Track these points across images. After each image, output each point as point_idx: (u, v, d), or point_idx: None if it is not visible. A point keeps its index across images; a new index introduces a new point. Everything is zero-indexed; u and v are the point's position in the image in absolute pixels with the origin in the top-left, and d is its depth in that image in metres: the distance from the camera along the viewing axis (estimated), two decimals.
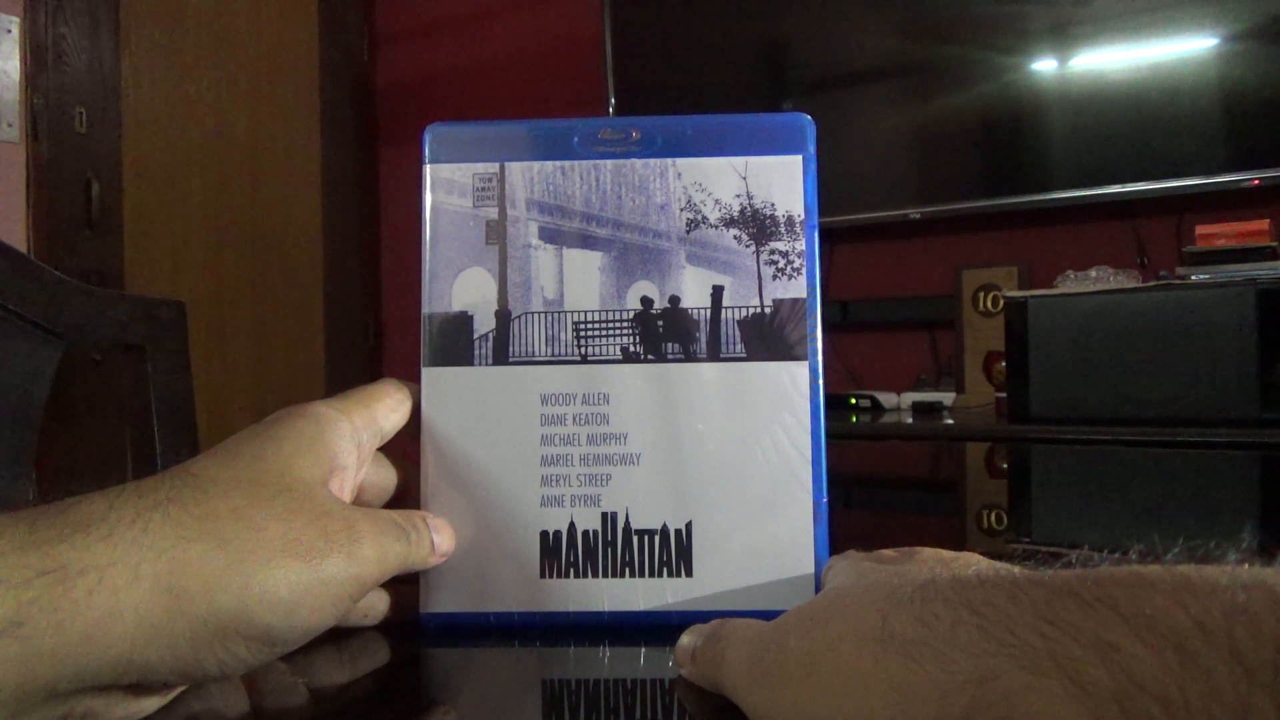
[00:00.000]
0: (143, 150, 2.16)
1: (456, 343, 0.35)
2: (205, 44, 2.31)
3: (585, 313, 0.35)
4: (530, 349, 0.34)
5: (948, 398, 1.88)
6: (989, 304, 1.93)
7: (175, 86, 2.25)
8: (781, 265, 0.35)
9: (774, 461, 0.34)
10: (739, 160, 0.35)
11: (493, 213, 0.35)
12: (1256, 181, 1.61)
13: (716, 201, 0.35)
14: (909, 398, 1.92)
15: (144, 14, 2.17)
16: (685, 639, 0.28)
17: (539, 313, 0.35)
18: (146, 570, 0.23)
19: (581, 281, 0.35)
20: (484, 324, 0.35)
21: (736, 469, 0.34)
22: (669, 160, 0.35)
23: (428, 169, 0.36)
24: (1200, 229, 1.58)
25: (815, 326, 0.34)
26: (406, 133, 2.67)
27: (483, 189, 0.36)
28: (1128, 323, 1.44)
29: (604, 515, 0.33)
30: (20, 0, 1.94)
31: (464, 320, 0.35)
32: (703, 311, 0.35)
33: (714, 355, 0.34)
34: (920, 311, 2.03)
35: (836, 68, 2.02)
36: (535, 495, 0.34)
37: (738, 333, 0.34)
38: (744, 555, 0.33)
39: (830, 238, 2.09)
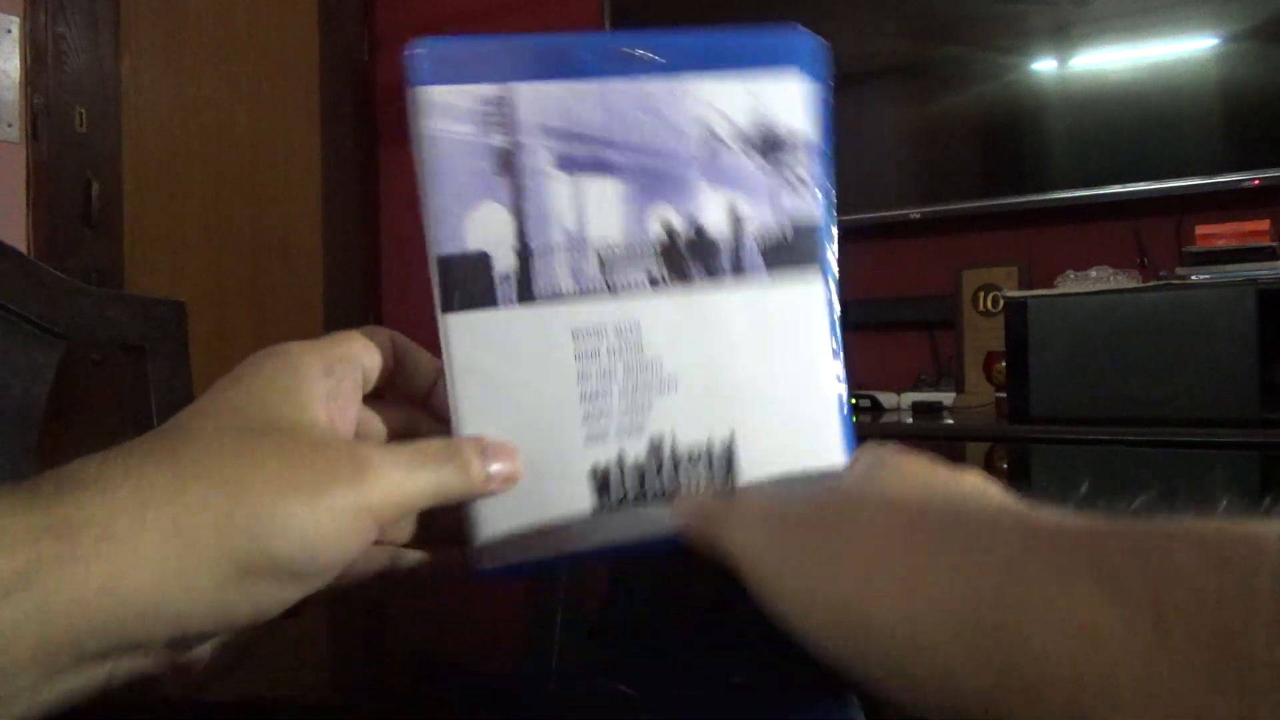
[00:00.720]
0: (143, 150, 2.16)
1: (478, 284, 0.32)
2: (205, 44, 2.31)
3: (608, 243, 0.33)
4: (555, 285, 0.33)
5: (948, 398, 1.88)
6: (989, 304, 1.93)
7: (175, 86, 2.25)
8: (796, 186, 0.35)
9: (804, 377, 0.34)
10: (750, 80, 0.35)
11: (502, 139, 0.33)
12: (1256, 181, 1.61)
13: (730, 122, 0.35)
14: (909, 398, 1.92)
15: (144, 14, 2.17)
16: (691, 496, 0.27)
17: (561, 246, 0.33)
18: (151, 517, 0.23)
19: (600, 210, 0.33)
20: (504, 262, 0.32)
21: (770, 385, 0.34)
22: (680, 80, 0.34)
23: (419, 92, 0.33)
24: (1200, 229, 1.58)
25: (831, 243, 0.35)
26: (406, 133, 2.66)
27: (489, 113, 0.33)
28: (1128, 323, 1.44)
29: (650, 442, 0.33)
30: (20, 0, 1.94)
31: (482, 260, 0.33)
32: (723, 234, 0.34)
33: (738, 276, 0.34)
34: (920, 311, 2.03)
35: (837, 68, 2.01)
36: (579, 432, 0.32)
37: (758, 253, 0.35)
38: (785, 468, 0.33)
39: None
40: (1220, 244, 1.53)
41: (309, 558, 0.25)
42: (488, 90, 0.33)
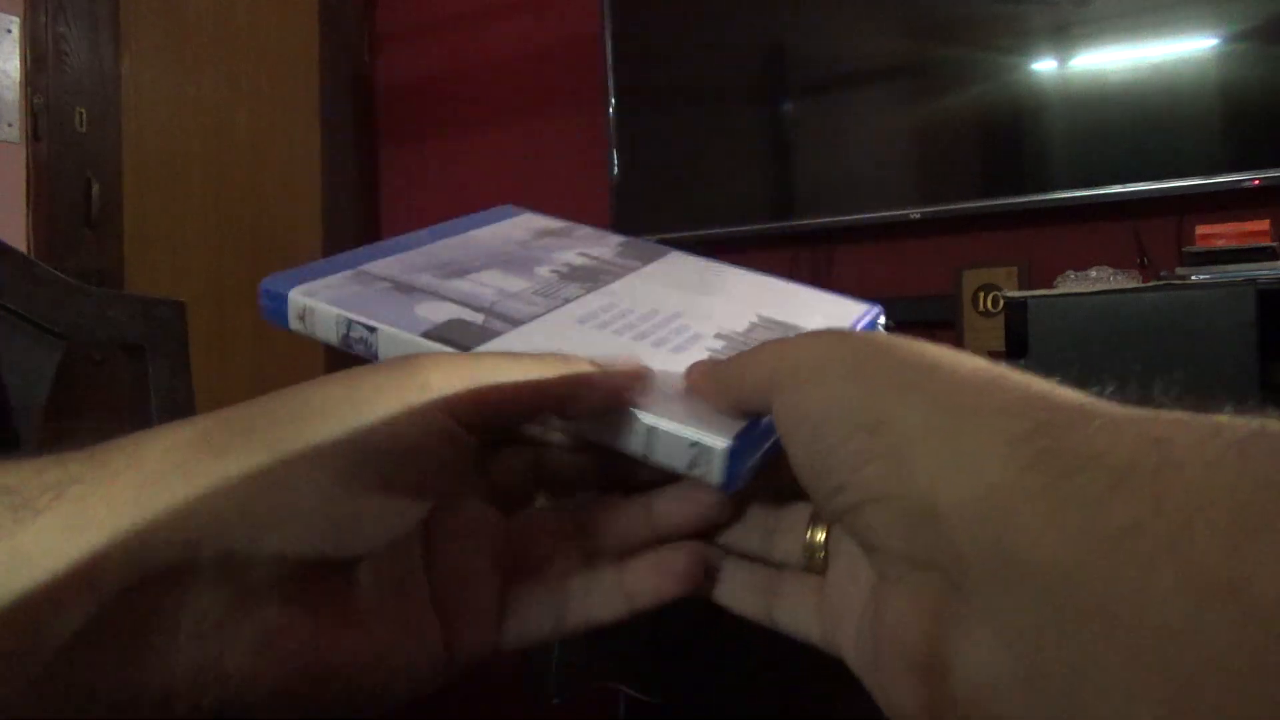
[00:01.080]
0: (143, 150, 2.16)
1: (469, 332, 0.32)
2: (205, 44, 2.31)
3: (530, 288, 0.36)
4: (525, 312, 0.34)
5: None
6: (989, 304, 1.93)
7: (175, 86, 2.25)
8: (597, 235, 0.43)
9: (767, 287, 0.41)
10: (500, 222, 0.44)
11: (385, 285, 0.35)
12: (1256, 182, 1.61)
13: (520, 236, 0.42)
14: None
15: (144, 14, 2.17)
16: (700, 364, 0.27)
17: (499, 299, 0.35)
18: (177, 434, 0.22)
19: (500, 280, 0.37)
20: (473, 316, 0.33)
21: (754, 295, 0.39)
22: (465, 234, 0.42)
23: (292, 299, 0.34)
24: (1200, 229, 1.58)
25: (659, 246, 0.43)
26: (406, 133, 2.67)
27: (359, 277, 0.35)
28: (1128, 323, 1.44)
29: (717, 333, 0.34)
30: (20, 0, 1.94)
31: (456, 321, 0.33)
32: (594, 259, 0.40)
33: (631, 269, 0.39)
34: (920, 311, 2.03)
35: (836, 68, 2.02)
36: (663, 352, 0.32)
37: (628, 257, 0.41)
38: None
39: (830, 238, 2.09)
40: (1220, 244, 1.53)
41: (356, 441, 0.21)
42: (343, 274, 0.36)
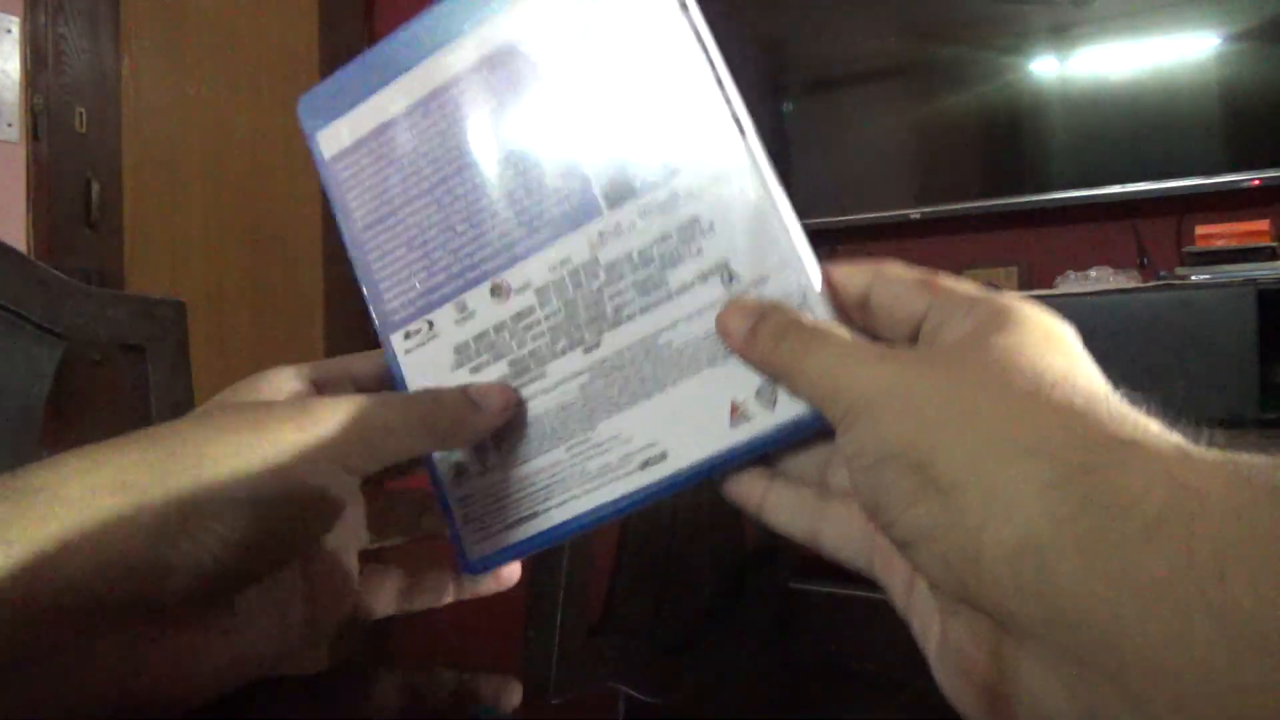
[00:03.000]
0: (143, 150, 2.16)
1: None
2: (205, 44, 2.31)
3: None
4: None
5: None
6: None
7: (175, 86, 2.25)
8: None
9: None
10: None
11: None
12: (1256, 182, 1.61)
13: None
14: None
15: (144, 14, 2.17)
16: (746, 305, 0.26)
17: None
18: (95, 477, 0.23)
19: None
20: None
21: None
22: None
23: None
24: (1200, 229, 1.58)
25: None
26: None
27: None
28: (1128, 323, 1.44)
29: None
30: (20, 0, 1.94)
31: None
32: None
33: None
34: None
35: (836, 68, 2.02)
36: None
37: None
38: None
39: (830, 238, 2.09)
40: (1220, 244, 1.53)
41: (249, 489, 0.24)
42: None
